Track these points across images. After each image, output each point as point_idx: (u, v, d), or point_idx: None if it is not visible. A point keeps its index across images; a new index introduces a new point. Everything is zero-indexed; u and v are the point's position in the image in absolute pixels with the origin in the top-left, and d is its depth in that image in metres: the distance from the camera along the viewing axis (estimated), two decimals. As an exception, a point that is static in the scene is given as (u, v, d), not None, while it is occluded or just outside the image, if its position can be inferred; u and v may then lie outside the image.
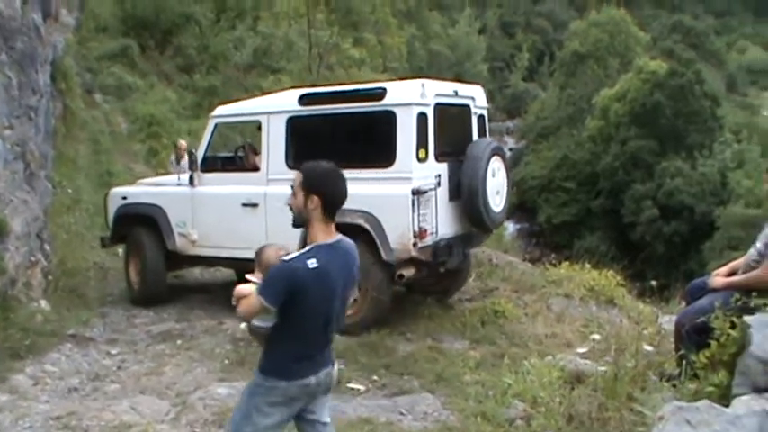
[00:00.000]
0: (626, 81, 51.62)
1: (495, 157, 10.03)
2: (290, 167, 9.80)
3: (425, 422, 7.10)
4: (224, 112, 11.10)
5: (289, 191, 9.78)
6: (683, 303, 7.30)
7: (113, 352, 9.11)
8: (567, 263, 12.49)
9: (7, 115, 9.67)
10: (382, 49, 33.45)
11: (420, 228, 9.12)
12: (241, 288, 4.33)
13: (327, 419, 4.59)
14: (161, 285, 11.31)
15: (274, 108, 10.28)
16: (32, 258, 10.23)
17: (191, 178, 10.76)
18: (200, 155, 10.75)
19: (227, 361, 8.64)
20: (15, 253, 9.68)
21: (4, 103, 9.59)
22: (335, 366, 4.50)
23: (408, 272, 9.35)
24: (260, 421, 4.28)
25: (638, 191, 46.04)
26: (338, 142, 10.04)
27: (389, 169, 9.29)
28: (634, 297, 11.67)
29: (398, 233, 9.13)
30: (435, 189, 9.41)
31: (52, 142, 12.49)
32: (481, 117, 10.76)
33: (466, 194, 9.72)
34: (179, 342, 9.33)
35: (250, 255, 9.85)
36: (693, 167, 45.11)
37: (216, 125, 10.93)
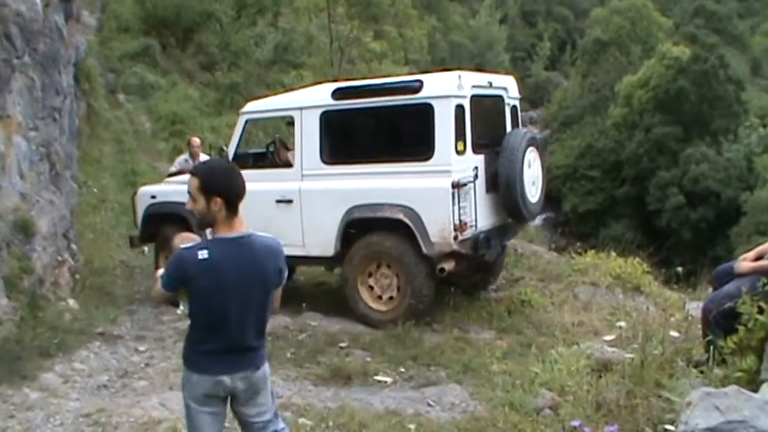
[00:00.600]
0: (649, 67, 51.34)
1: (530, 148, 9.98)
2: (325, 163, 9.83)
3: (453, 413, 7.11)
4: (255, 107, 10.96)
5: (325, 186, 9.67)
6: (710, 289, 7.25)
7: (141, 349, 9.15)
8: (593, 251, 12.47)
9: (32, 116, 9.73)
10: (403, 42, 33.39)
11: (460, 221, 9.08)
12: (157, 272, 4.34)
13: (266, 418, 4.43)
14: None
15: (307, 103, 10.17)
16: (60, 258, 10.30)
17: None
18: (230, 151, 10.57)
19: (254, 355, 8.66)
20: (43, 253, 9.75)
21: (28, 105, 9.65)
22: (260, 371, 4.30)
23: (449, 265, 9.27)
24: (189, 416, 4.35)
25: (663, 177, 45.80)
26: (374, 136, 10.14)
27: (428, 162, 9.23)
28: (660, 284, 11.63)
29: (439, 227, 9.08)
30: (474, 181, 9.38)
31: (77, 142, 12.57)
32: (514, 108, 10.74)
33: (503, 186, 9.68)
34: (206, 338, 9.36)
35: (286, 251, 10.07)
36: (719, 153, 44.83)
37: (247, 121, 10.75)
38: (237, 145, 10.67)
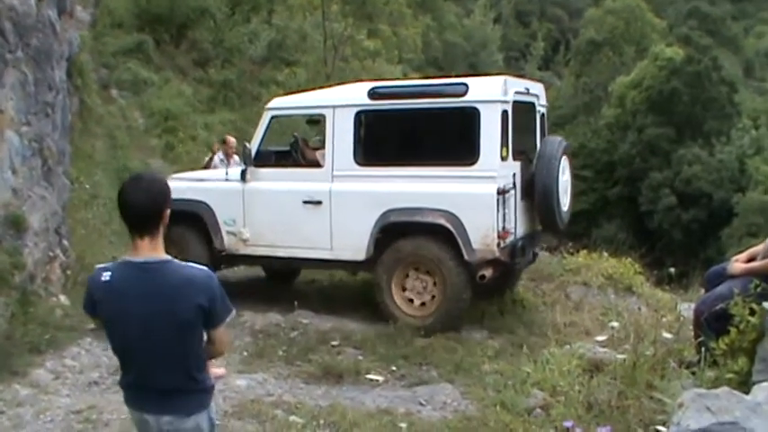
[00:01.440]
0: (642, 68, 51.47)
1: (564, 156, 9.90)
2: (358, 164, 9.64)
3: (445, 412, 7.13)
4: (281, 104, 10.72)
5: (358, 188, 9.47)
6: (702, 290, 7.27)
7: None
8: (585, 251, 12.49)
9: (24, 112, 9.69)
10: (397, 41, 33.36)
11: (503, 228, 8.98)
12: None
13: None
14: None
15: (341, 102, 9.91)
16: (51, 254, 10.27)
17: (243, 173, 10.30)
18: (253, 148, 10.26)
19: (246, 353, 8.67)
20: (34, 249, 9.72)
21: (20, 100, 9.61)
22: (191, 421, 3.83)
23: (488, 272, 9.16)
24: None
25: (655, 178, 45.92)
26: (413, 138, 9.92)
27: (472, 167, 9.08)
28: (652, 285, 11.68)
29: (482, 233, 8.94)
30: (514, 188, 9.29)
31: (69, 138, 12.52)
32: (543, 115, 10.67)
33: (540, 194, 9.57)
34: (198, 335, 9.33)
35: (312, 254, 9.85)
36: (711, 154, 44.98)
37: (272, 117, 10.40)
38: (260, 142, 10.38)
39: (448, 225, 9.01)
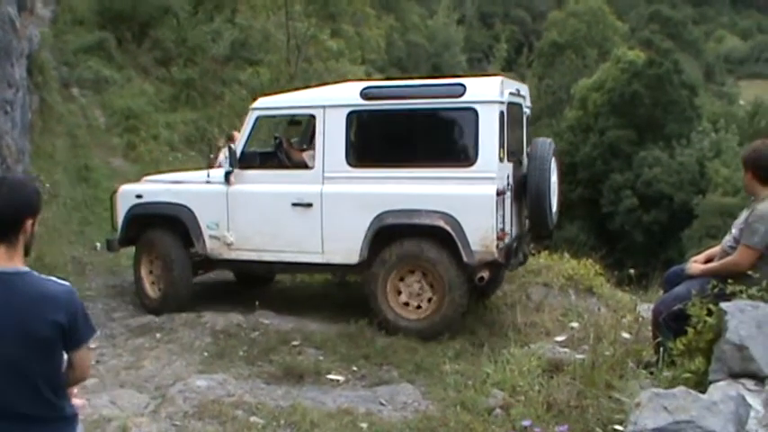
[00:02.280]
0: (604, 71, 51.86)
1: (553, 158, 9.85)
2: (351, 165, 9.42)
3: (405, 412, 7.13)
4: (268, 103, 10.41)
5: (351, 190, 9.31)
6: (661, 291, 7.34)
7: (92, 346, 8.98)
8: (547, 252, 12.53)
9: (-18, 109, 9.61)
10: (360, 41, 33.33)
11: (501, 229, 8.88)
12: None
13: None
14: (187, 291, 10.35)
15: (332, 101, 9.68)
16: (10, 253, 10.15)
17: (227, 175, 9.97)
18: (238, 149, 9.97)
19: (206, 354, 8.63)
20: (-8, 248, 9.61)
21: (-22, 97, 9.53)
22: None
23: (486, 274, 9.08)
24: None
25: (616, 180, 46.25)
26: (407, 139, 9.74)
27: (470, 169, 8.94)
28: (613, 286, 11.73)
29: (481, 235, 8.81)
30: (510, 189, 9.23)
31: (29, 136, 12.45)
32: (528, 116, 10.62)
33: (533, 195, 9.51)
34: (158, 335, 9.29)
35: (301, 258, 9.72)
36: (672, 157, 45.35)
37: (257, 118, 10.10)
38: (246, 143, 10.14)
39: (446, 227, 8.89)
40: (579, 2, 69.39)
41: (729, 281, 5.56)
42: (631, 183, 45.51)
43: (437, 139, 9.58)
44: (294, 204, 9.58)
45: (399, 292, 9.36)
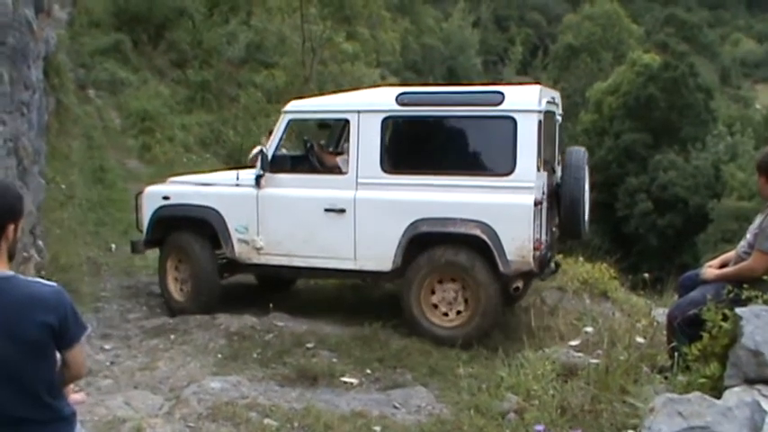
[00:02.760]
0: (619, 74, 51.80)
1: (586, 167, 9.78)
2: (385, 171, 9.27)
3: (419, 415, 7.13)
4: (300, 107, 10.27)
5: (385, 196, 9.21)
6: (676, 296, 7.32)
7: (107, 347, 9.09)
8: (561, 256, 12.50)
9: (-1, 111, 9.65)
10: (375, 44, 33.38)
11: (538, 239, 8.80)
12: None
13: None
14: (215, 295, 10.20)
15: (367, 106, 9.50)
16: (25, 254, 10.22)
17: (258, 178, 9.79)
18: (269, 152, 9.76)
19: (220, 355, 8.64)
20: (8, 249, 9.65)
21: (-4, 99, 9.57)
22: None
23: (520, 284, 9.09)
24: None
25: (631, 184, 46.12)
26: (443, 147, 9.64)
27: (508, 178, 8.81)
28: (627, 290, 11.70)
29: (518, 244, 8.70)
30: (545, 199, 9.11)
31: (45, 138, 12.49)
32: (560, 125, 10.50)
33: (567, 204, 9.44)
34: (172, 337, 9.30)
35: (333, 264, 9.64)
36: (687, 160, 45.23)
37: (289, 121, 9.96)
38: (277, 146, 9.95)
39: (483, 236, 8.77)
40: (594, 5, 69.35)
41: (745, 286, 5.56)
42: (646, 186, 45.40)
43: (474, 147, 9.53)
44: (327, 210, 9.44)
45: (434, 302, 9.23)
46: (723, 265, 6.66)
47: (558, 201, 9.61)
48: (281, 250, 9.74)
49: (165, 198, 10.38)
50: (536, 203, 8.68)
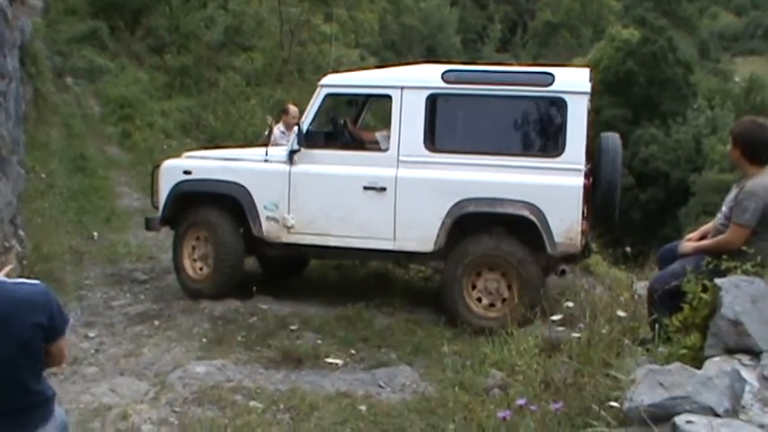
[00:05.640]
0: (598, 50, 51.98)
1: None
2: (429, 150, 9.11)
3: (404, 394, 7.17)
4: (338, 81, 10.05)
5: (429, 175, 9.04)
6: (657, 269, 7.35)
7: (91, 335, 9.07)
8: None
9: (-24, 101, 9.60)
10: (354, 25, 33.26)
11: (584, 221, 8.79)
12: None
13: None
14: (238, 275, 9.91)
15: (411, 83, 9.34)
16: (6, 244, 10.17)
17: (290, 154, 9.52)
18: (304, 127, 9.47)
19: (205, 340, 8.64)
20: (-11, 239, 9.64)
21: (-28, 89, 9.52)
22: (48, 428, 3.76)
23: (567, 267, 9.06)
24: None
25: (613, 159, 46.18)
26: (490, 126, 9.42)
27: (557, 159, 8.79)
28: (609, 264, 11.75)
29: (566, 227, 8.67)
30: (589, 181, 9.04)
31: (23, 127, 12.44)
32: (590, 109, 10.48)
33: (604, 188, 9.22)
34: (156, 323, 9.28)
35: (370, 244, 9.44)
36: (668, 134, 45.45)
37: (326, 95, 9.66)
38: (312, 121, 9.64)
39: (531, 217, 8.67)
40: (573, -20, 69.40)
41: (724, 257, 5.59)
42: (628, 161, 45.44)
43: (521, 128, 9.38)
44: (366, 188, 9.22)
45: (475, 287, 9.07)
46: (702, 237, 6.68)
47: (594, 185, 9.40)
48: (313, 229, 9.46)
49: (187, 172, 9.99)
50: (585, 186, 8.68)
